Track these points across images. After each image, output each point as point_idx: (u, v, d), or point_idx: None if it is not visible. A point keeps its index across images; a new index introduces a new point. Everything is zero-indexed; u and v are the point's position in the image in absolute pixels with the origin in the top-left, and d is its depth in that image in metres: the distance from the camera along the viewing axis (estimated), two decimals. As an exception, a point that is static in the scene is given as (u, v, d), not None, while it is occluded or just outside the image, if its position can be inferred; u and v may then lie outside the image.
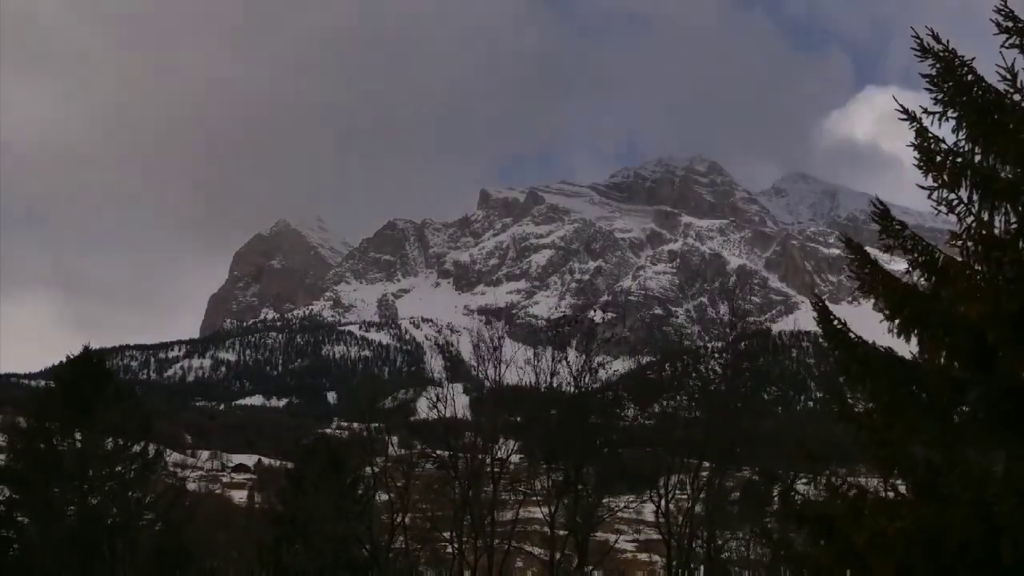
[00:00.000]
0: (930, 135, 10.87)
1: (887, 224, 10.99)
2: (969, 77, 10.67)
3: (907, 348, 11.18)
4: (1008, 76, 10.46)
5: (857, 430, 11.36)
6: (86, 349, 33.93)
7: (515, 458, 45.59)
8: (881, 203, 11.13)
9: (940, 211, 10.83)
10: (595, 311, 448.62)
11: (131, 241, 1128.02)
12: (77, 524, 31.54)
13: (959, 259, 10.64)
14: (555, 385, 38.88)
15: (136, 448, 33.72)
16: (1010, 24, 10.69)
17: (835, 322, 11.25)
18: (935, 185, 10.81)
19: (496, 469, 39.21)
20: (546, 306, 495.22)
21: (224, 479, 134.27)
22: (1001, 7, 10.69)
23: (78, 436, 32.17)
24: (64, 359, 33.78)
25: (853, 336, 11.21)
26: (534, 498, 43.05)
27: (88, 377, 33.00)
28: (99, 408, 31.87)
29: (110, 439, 32.61)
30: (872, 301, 11.57)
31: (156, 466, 36.69)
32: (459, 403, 43.83)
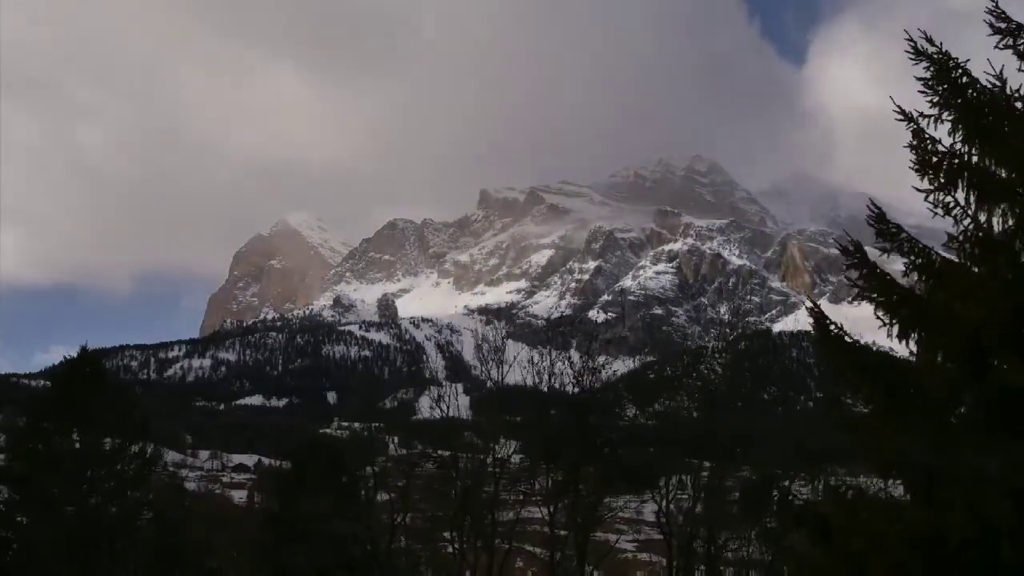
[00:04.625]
0: (926, 137, 10.88)
1: (883, 228, 10.98)
2: (964, 79, 10.69)
3: (906, 349, 11.19)
4: (998, 83, 10.47)
5: (855, 433, 11.38)
6: (83, 349, 33.99)
7: (515, 458, 45.60)
8: (876, 206, 11.12)
9: (937, 213, 10.84)
10: (595, 311, 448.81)
11: (131, 240, 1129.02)
12: (76, 524, 31.56)
13: (956, 261, 10.64)
14: (556, 385, 38.87)
15: (135, 448, 33.75)
16: (1003, 25, 10.70)
17: (831, 327, 11.25)
18: (931, 188, 10.82)
19: (496, 469, 39.22)
20: (546, 306, 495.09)
21: (224, 479, 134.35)
22: (993, 8, 10.71)
23: (75, 436, 32.21)
24: (62, 359, 33.87)
25: (849, 340, 11.21)
26: (534, 498, 43.07)
27: (85, 377, 33.04)
28: (96, 408, 31.93)
29: (108, 439, 32.66)
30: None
31: (154, 465, 36.70)
32: (460, 403, 43.83)
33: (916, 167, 10.83)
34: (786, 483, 34.20)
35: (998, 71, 10.43)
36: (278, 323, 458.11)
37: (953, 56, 10.73)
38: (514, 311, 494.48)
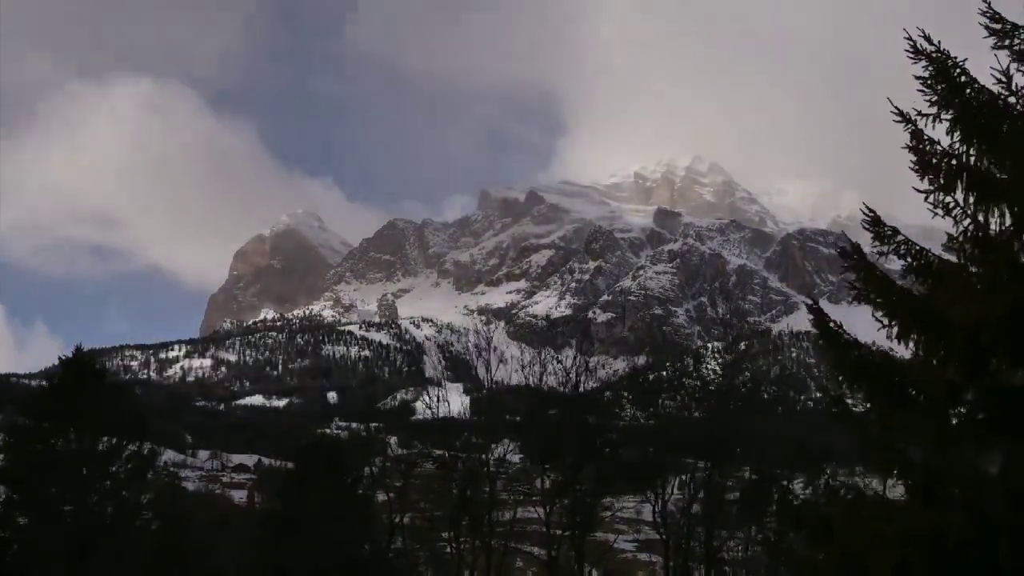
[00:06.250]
0: (925, 137, 10.87)
1: (879, 231, 10.97)
2: (962, 78, 10.68)
3: (906, 349, 11.18)
4: (1003, 79, 10.47)
5: (855, 433, 11.37)
6: (78, 349, 33.94)
7: (514, 458, 45.66)
8: (871, 210, 11.12)
9: (936, 214, 10.84)
10: (595, 311, 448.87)
11: (132, 240, 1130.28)
12: (74, 524, 31.56)
13: (955, 261, 10.64)
14: (552, 384, 38.91)
15: (132, 447, 33.71)
16: (997, 26, 10.70)
17: (831, 326, 11.25)
18: (931, 188, 10.81)
19: (495, 469, 39.25)
20: (546, 306, 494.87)
21: (224, 479, 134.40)
22: (986, 9, 10.71)
23: (73, 436, 32.18)
24: (58, 359, 33.81)
25: (849, 339, 11.21)
26: (533, 498, 43.09)
27: (81, 377, 33.02)
28: (92, 407, 31.90)
29: (105, 438, 32.62)
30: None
31: (151, 464, 36.66)
32: (459, 403, 43.89)
33: (916, 168, 10.83)
34: (785, 483, 34.18)
35: (1004, 67, 10.42)
36: (278, 323, 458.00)
37: (952, 55, 10.73)
38: (514, 311, 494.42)
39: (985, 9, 10.67)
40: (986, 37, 10.71)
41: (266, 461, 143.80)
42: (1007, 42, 10.66)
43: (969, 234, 10.55)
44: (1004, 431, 10.10)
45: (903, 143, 11.08)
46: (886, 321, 10.80)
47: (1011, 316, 9.60)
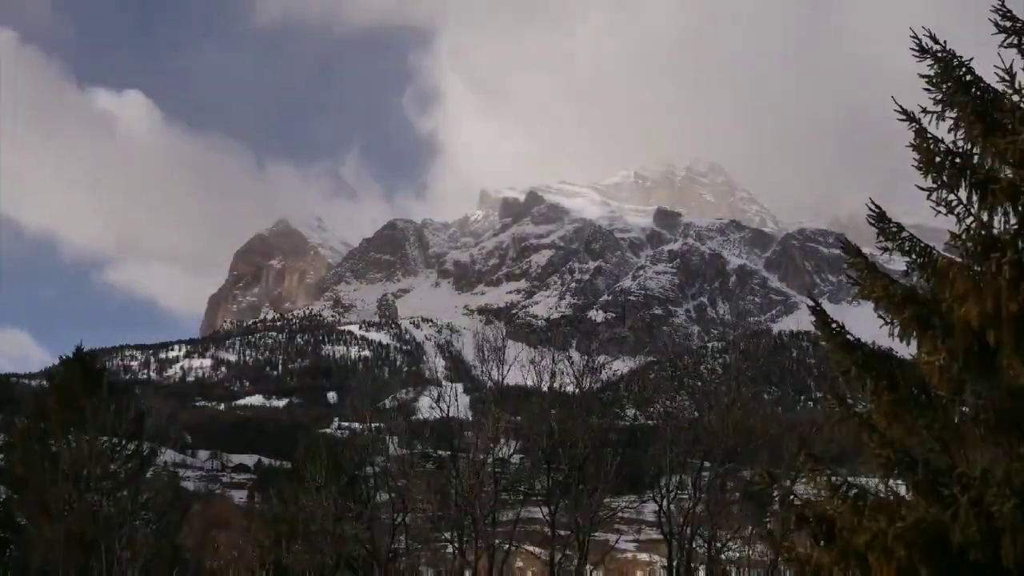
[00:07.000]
0: (929, 136, 10.85)
1: (884, 227, 10.95)
2: (968, 77, 10.67)
3: (908, 348, 11.18)
4: (1006, 76, 10.45)
5: (857, 431, 11.36)
6: (79, 349, 33.99)
7: (515, 458, 45.57)
8: (877, 205, 11.09)
9: (939, 212, 10.81)
10: (595, 311, 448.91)
11: (131, 240, 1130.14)
12: (75, 523, 31.57)
13: (958, 260, 10.63)
14: (556, 385, 38.86)
15: (131, 447, 33.76)
16: (1008, 24, 10.69)
17: (833, 325, 11.23)
18: (934, 186, 10.80)
19: (497, 469, 39.19)
20: (546, 306, 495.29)
21: (224, 479, 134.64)
22: (999, 7, 10.70)
23: (73, 437, 32.21)
24: (59, 358, 33.83)
25: (851, 338, 11.20)
26: (535, 498, 43.03)
27: (81, 377, 33.05)
28: (92, 407, 31.92)
29: (105, 438, 32.64)
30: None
31: (150, 464, 36.73)
32: (460, 403, 43.81)
33: (918, 165, 10.81)
34: (787, 483, 34.11)
35: (1008, 64, 10.41)
36: (278, 323, 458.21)
37: (958, 54, 10.73)
38: (514, 311, 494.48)
39: (998, 6, 10.66)
40: (995, 34, 10.70)
41: (266, 461, 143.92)
42: (1016, 40, 10.65)
43: (972, 232, 10.53)
44: (1008, 430, 10.08)
45: (903, 144, 11.08)
46: (888, 319, 10.79)
47: (1018, 315, 9.59)
